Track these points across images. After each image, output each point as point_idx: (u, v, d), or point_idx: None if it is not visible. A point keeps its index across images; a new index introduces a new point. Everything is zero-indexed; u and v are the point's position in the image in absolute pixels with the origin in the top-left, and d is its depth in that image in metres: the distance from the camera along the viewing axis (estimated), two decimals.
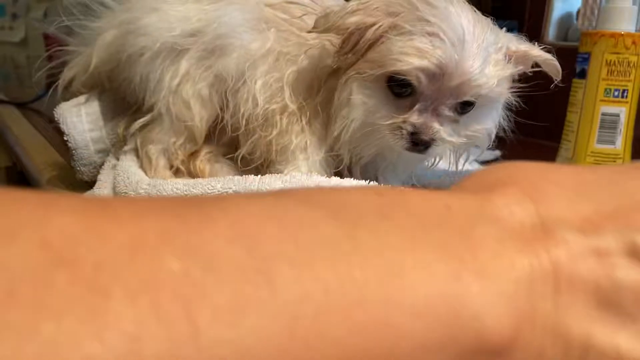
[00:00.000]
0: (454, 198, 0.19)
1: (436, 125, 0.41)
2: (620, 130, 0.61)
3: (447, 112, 0.41)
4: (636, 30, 0.62)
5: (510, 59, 0.43)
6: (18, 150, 0.75)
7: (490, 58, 0.40)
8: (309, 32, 0.43)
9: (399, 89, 0.41)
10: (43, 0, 2.60)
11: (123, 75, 0.48)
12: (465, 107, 0.42)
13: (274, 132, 0.45)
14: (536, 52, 0.44)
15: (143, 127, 0.48)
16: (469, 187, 0.20)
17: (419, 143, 0.41)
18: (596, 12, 0.96)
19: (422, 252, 0.17)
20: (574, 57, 0.63)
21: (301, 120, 0.45)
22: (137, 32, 0.45)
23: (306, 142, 0.45)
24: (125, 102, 0.51)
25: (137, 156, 0.48)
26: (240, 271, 0.14)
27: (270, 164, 0.46)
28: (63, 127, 0.51)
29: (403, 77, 0.40)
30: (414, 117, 0.41)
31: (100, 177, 0.48)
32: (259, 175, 0.41)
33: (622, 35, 0.60)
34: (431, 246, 0.17)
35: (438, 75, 0.39)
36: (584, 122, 0.62)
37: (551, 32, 1.03)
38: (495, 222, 0.18)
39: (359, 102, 0.42)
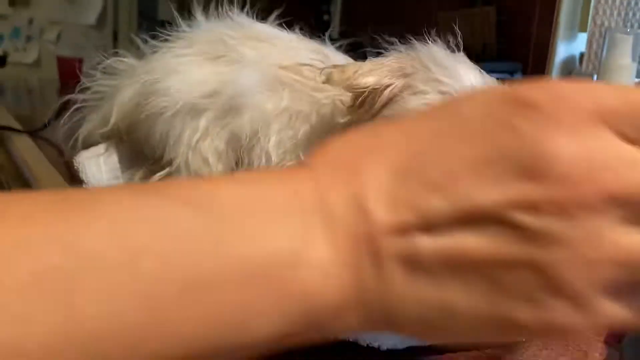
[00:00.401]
0: (297, 184, 0.21)
1: None
2: None
3: None
4: (635, 85, 0.64)
5: None
6: (30, 180, 0.78)
7: None
8: (323, 82, 0.44)
9: None
10: (57, 23, 2.66)
11: (142, 130, 0.50)
12: None
13: None
14: None
15: (161, 180, 0.50)
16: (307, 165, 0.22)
17: None
18: (600, 56, 0.99)
19: (275, 238, 0.20)
20: None
21: None
22: (158, 93, 0.48)
23: None
24: (143, 154, 0.53)
25: None
26: (110, 264, 0.18)
27: None
28: (82, 176, 0.53)
29: None
30: None
31: None
32: None
33: None
34: (281, 230, 0.20)
35: None
36: None
37: (554, 75, 1.06)
38: (317, 209, 0.20)
39: None
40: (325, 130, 0.47)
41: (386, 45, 0.45)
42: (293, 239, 0.20)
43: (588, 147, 0.19)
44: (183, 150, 0.48)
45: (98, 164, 0.53)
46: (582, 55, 1.06)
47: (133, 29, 2.74)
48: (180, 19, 0.53)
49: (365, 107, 0.43)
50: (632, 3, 0.98)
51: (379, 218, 0.20)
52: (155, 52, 0.51)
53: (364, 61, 0.51)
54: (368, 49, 0.49)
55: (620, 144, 0.19)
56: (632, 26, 1.00)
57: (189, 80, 0.48)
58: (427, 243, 0.20)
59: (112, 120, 0.52)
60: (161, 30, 0.52)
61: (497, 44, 1.09)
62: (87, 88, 0.55)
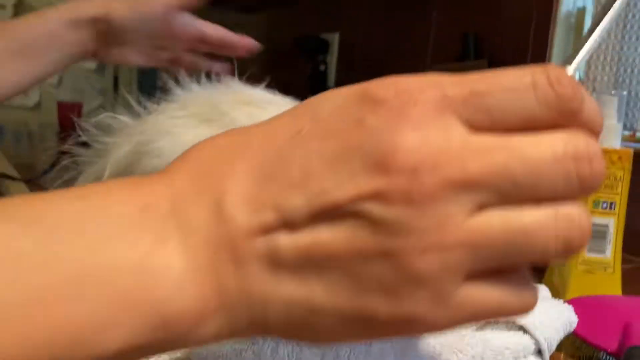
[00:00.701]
0: (149, 196, 0.21)
1: None
2: (610, 240, 0.64)
3: None
4: (621, 146, 0.65)
5: None
6: None
7: None
8: None
9: None
10: None
11: None
12: None
13: None
14: None
15: None
16: (171, 172, 0.23)
17: None
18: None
19: (115, 250, 0.20)
20: None
21: None
22: (151, 154, 0.48)
23: None
24: None
25: None
26: None
27: None
28: None
29: None
30: None
31: None
32: None
33: (609, 151, 0.63)
34: (123, 242, 0.20)
35: None
36: None
37: None
38: (171, 219, 0.21)
39: None
40: None
41: None
42: (136, 249, 0.20)
43: (432, 138, 0.19)
44: None
45: None
46: None
47: (134, 74, 2.79)
48: (174, 85, 0.55)
49: None
50: (623, 59, 1.01)
51: (240, 221, 0.20)
52: (150, 112, 0.52)
53: None
54: None
55: (465, 133, 0.20)
56: (624, 81, 1.02)
57: (182, 142, 0.49)
58: (287, 241, 0.20)
59: (105, 177, 0.52)
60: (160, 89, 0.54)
61: None
62: (84, 143, 0.55)
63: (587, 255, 0.64)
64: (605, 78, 0.99)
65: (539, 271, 0.72)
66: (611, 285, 0.65)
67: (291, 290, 0.20)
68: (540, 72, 0.20)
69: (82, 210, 0.21)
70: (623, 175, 0.63)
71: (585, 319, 0.52)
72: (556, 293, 0.66)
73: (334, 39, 1.58)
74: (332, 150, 0.20)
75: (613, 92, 0.65)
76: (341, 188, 0.20)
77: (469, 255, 0.19)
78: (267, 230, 0.20)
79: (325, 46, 1.55)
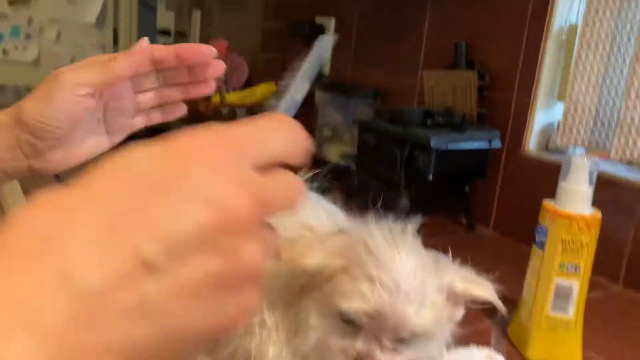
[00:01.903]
0: None
1: (378, 354, 0.46)
2: (573, 300, 0.67)
3: (388, 344, 0.46)
4: (592, 205, 0.67)
5: (453, 299, 0.48)
6: None
7: (426, 301, 0.45)
8: (274, 259, 0.48)
9: (347, 318, 0.46)
10: (56, 22, 2.67)
11: None
12: (405, 340, 0.46)
13: (253, 343, 0.51)
14: (480, 292, 0.49)
15: None
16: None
17: None
18: (576, 131, 1.01)
19: None
20: (552, 172, 0.68)
21: (277, 331, 0.51)
22: None
23: (281, 351, 0.51)
24: None
25: None
26: None
27: None
28: None
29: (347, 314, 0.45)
30: (359, 345, 0.46)
31: None
32: None
33: (577, 218, 0.65)
34: None
35: (376, 316, 0.44)
36: (541, 289, 0.68)
37: (532, 141, 1.08)
38: (11, 310, 0.21)
39: (314, 325, 0.47)
40: (287, 290, 0.51)
41: None
42: None
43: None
44: None
45: None
46: (559, 123, 1.08)
47: (134, 28, 2.75)
48: None
49: (310, 282, 0.47)
50: (608, 80, 1.00)
51: (96, 282, 0.21)
52: None
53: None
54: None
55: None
56: (607, 103, 1.02)
57: None
58: (151, 286, 0.22)
59: None
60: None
61: (477, 108, 1.11)
62: None
63: (551, 313, 0.68)
64: (591, 89, 0.99)
65: (502, 323, 0.76)
66: (572, 341, 0.69)
67: (157, 327, 0.23)
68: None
69: None
70: (589, 240, 0.66)
71: None
72: (519, 346, 0.71)
73: (330, 23, 1.56)
74: (162, 198, 0.23)
75: (585, 160, 0.66)
76: (181, 224, 0.23)
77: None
78: (131, 280, 0.22)
79: (320, 31, 1.53)
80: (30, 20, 2.69)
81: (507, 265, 0.86)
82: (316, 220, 0.53)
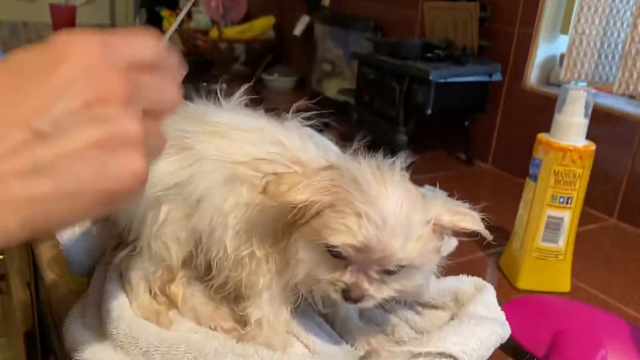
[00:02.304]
0: None
1: (365, 285, 0.47)
2: (564, 231, 0.68)
3: (375, 275, 0.48)
4: (587, 138, 0.67)
5: (440, 231, 0.49)
6: None
7: (412, 235, 0.46)
8: (260, 192, 0.48)
9: (335, 252, 0.47)
10: None
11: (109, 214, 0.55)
12: (391, 271, 0.48)
13: (244, 273, 0.52)
14: (466, 224, 0.49)
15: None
16: None
17: (350, 299, 0.48)
18: (580, 64, 0.99)
19: None
20: (553, 106, 0.67)
21: (267, 263, 0.52)
22: None
23: (271, 282, 0.52)
24: (112, 222, 0.58)
25: (121, 276, 0.56)
26: None
27: (240, 294, 0.54)
28: (58, 238, 0.59)
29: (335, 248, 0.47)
30: (346, 277, 0.47)
31: (90, 290, 0.56)
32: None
33: (570, 150, 0.65)
34: None
35: (363, 249, 0.45)
36: (532, 221, 0.69)
37: (533, 75, 1.07)
38: None
39: (303, 259, 0.48)
40: (276, 222, 0.52)
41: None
42: None
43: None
44: (146, 235, 0.53)
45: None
46: (562, 55, 1.06)
47: None
48: None
49: (298, 215, 0.48)
50: (614, 11, 0.97)
51: None
52: None
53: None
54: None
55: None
56: (612, 35, 1.00)
57: (151, 173, 0.51)
58: (42, 151, 0.27)
59: None
60: None
61: (478, 41, 1.09)
62: None
63: (540, 244, 0.69)
64: (597, 20, 0.97)
65: (495, 255, 0.77)
66: (561, 271, 0.70)
67: (39, 190, 0.27)
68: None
69: None
70: (582, 172, 0.66)
71: (521, 321, 0.58)
72: (510, 276, 0.72)
73: None
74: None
75: (582, 91, 0.65)
76: (64, 103, 0.28)
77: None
78: (18, 148, 0.27)
79: None
80: None
81: (505, 199, 0.87)
82: (305, 155, 0.53)
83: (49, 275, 0.63)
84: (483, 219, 0.50)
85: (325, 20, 1.51)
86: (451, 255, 0.75)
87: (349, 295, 0.48)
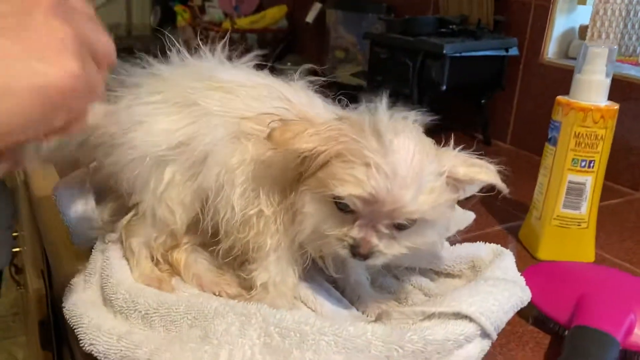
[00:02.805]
0: None
1: (374, 240, 0.45)
2: (586, 197, 0.65)
3: (385, 230, 0.45)
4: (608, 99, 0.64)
5: (454, 183, 0.46)
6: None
7: (424, 187, 0.43)
8: (264, 139, 0.46)
9: (343, 205, 0.45)
10: None
11: (109, 174, 0.53)
12: (402, 226, 0.45)
13: (251, 233, 0.49)
14: (482, 176, 0.46)
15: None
16: None
17: (358, 255, 0.46)
18: (605, 35, 0.96)
19: None
20: (571, 79, 0.64)
21: (275, 222, 0.49)
22: (124, 145, 0.50)
23: (279, 242, 0.50)
24: (112, 189, 0.56)
25: (122, 244, 0.54)
26: None
27: (247, 259, 0.51)
28: (59, 207, 0.57)
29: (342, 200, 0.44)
30: (355, 232, 0.45)
31: (91, 259, 0.54)
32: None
33: (592, 109, 0.62)
34: None
35: (372, 201, 0.43)
36: (552, 187, 0.65)
37: (551, 49, 1.03)
38: None
39: (309, 213, 0.46)
40: (284, 178, 0.49)
41: None
42: None
43: None
44: (149, 199, 0.51)
45: (72, 194, 0.57)
46: (581, 27, 1.02)
47: None
48: (149, 57, 0.54)
49: (304, 166, 0.46)
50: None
51: None
52: (123, 97, 0.52)
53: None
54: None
55: None
56: (639, 1, 0.96)
57: (155, 131, 0.50)
58: None
59: (80, 161, 0.55)
60: None
61: (494, 16, 1.06)
62: None
63: (561, 210, 0.65)
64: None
65: (514, 229, 0.74)
66: (584, 240, 0.67)
67: None
68: None
69: None
70: (605, 134, 0.62)
71: (542, 286, 0.55)
72: (529, 247, 0.69)
73: None
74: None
75: (602, 46, 0.62)
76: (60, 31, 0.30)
77: None
78: None
79: None
80: None
81: (525, 179, 0.84)
82: (312, 111, 0.51)
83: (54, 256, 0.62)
84: (499, 172, 0.47)
85: (337, 4, 1.49)
86: (468, 229, 0.73)
87: (357, 251, 0.45)
